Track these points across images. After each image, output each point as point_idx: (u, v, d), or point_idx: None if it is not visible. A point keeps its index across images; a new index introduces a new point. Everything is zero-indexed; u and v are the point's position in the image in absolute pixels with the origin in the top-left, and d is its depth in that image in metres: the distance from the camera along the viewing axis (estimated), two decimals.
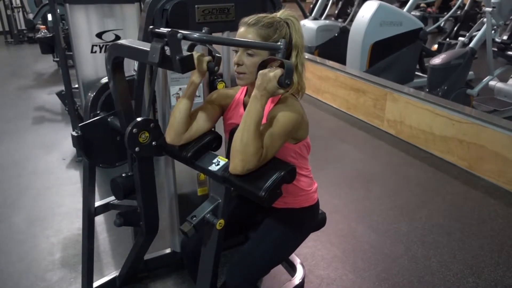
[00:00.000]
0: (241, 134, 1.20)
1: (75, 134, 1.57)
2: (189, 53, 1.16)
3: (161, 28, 1.17)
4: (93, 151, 1.64)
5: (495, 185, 3.04)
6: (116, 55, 1.36)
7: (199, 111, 1.47)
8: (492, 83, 4.65)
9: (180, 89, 1.83)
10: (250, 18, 1.33)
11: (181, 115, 1.38)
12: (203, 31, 1.39)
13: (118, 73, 1.41)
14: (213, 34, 1.84)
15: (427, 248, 2.38)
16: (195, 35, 1.18)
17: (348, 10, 8.13)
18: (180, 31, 1.13)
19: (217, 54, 1.40)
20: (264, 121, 1.33)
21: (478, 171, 3.19)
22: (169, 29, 1.13)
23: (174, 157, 1.54)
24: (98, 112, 1.74)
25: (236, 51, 1.35)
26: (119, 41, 1.34)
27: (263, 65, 1.24)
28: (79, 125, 1.59)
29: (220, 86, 1.89)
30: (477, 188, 3.03)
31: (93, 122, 1.61)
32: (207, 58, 1.37)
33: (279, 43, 1.26)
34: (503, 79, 4.78)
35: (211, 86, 1.93)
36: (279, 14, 1.37)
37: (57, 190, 2.99)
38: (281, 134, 1.27)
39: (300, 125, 1.34)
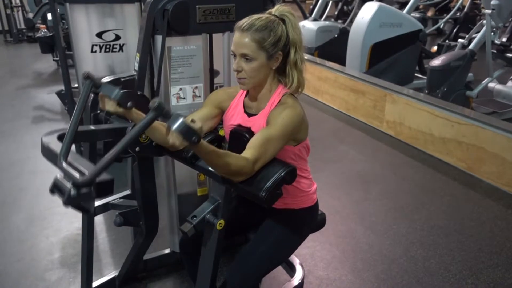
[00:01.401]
0: (216, 171, 1.23)
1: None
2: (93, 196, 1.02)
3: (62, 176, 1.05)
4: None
5: (494, 187, 3.05)
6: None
7: (198, 114, 1.47)
8: (491, 85, 4.66)
9: (180, 89, 1.83)
10: (244, 22, 1.31)
11: (159, 141, 1.40)
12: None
13: None
14: (214, 35, 1.85)
15: (426, 249, 2.38)
16: (88, 178, 1.01)
17: (345, 8, 8.13)
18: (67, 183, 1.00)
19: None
20: (263, 124, 1.34)
21: (477, 172, 3.19)
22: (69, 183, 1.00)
23: (174, 157, 1.54)
24: (99, 112, 1.74)
25: (235, 58, 1.34)
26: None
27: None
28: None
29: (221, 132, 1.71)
30: (476, 190, 3.03)
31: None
32: (113, 101, 1.24)
33: (151, 113, 1.03)
34: (502, 81, 4.79)
35: (212, 87, 1.93)
36: (273, 10, 1.35)
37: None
38: (280, 136, 1.27)
39: (300, 126, 1.34)
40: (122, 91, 1.22)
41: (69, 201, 0.98)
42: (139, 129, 1.05)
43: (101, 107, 1.27)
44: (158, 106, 1.01)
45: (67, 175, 1.04)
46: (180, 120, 1.02)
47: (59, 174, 1.06)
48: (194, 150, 1.15)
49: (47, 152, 1.26)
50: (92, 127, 1.54)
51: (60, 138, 1.32)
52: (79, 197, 0.99)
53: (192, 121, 1.05)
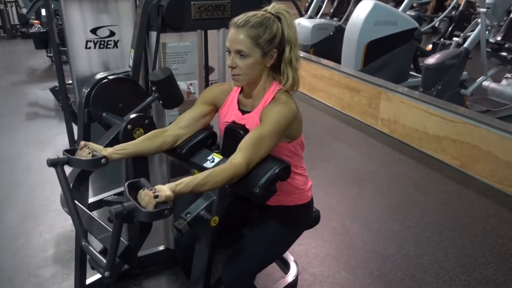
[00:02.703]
0: (207, 191, 1.24)
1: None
2: None
3: None
4: None
5: (488, 185, 3.07)
6: None
7: (192, 113, 1.47)
8: (485, 83, 4.69)
9: None
10: (239, 19, 1.31)
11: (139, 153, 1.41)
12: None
13: None
14: (209, 31, 1.85)
15: (419, 246, 2.39)
16: None
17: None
18: None
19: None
20: (257, 121, 1.34)
21: (471, 170, 3.21)
22: None
23: (168, 154, 1.53)
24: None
25: (229, 54, 1.34)
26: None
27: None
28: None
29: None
30: (469, 188, 3.05)
31: None
32: (87, 150, 1.32)
33: (113, 221, 1.10)
34: (496, 79, 4.81)
35: (206, 84, 1.93)
36: (269, 8, 1.35)
37: (50, 186, 2.97)
38: (273, 132, 1.27)
39: (293, 122, 1.34)
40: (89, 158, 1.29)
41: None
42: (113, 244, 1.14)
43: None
44: (116, 217, 1.05)
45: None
46: (143, 215, 1.05)
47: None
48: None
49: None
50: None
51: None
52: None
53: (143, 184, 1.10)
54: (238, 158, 1.22)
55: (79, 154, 1.32)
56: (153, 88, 1.58)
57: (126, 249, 1.18)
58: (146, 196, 1.06)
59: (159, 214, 1.04)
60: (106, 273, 1.15)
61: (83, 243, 1.27)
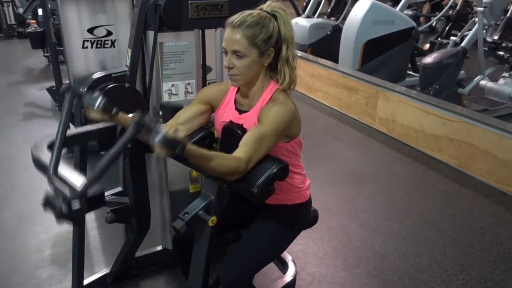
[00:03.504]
0: (208, 173, 1.22)
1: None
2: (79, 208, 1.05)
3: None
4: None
5: (485, 184, 3.07)
6: None
7: (189, 111, 1.46)
8: (483, 82, 4.69)
9: (172, 85, 1.82)
10: (235, 19, 1.30)
11: None
12: None
13: None
14: (206, 31, 1.84)
15: (418, 245, 2.39)
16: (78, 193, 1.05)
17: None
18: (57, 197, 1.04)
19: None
20: (255, 121, 1.34)
21: (468, 169, 3.22)
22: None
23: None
24: None
25: (226, 54, 1.33)
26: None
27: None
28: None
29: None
30: (467, 187, 3.05)
31: None
32: (97, 111, 1.26)
33: (132, 129, 1.03)
34: (493, 78, 4.82)
35: (204, 84, 1.92)
36: (265, 6, 1.34)
37: (48, 186, 2.96)
38: (272, 132, 1.27)
39: (292, 122, 1.34)
40: (104, 100, 1.23)
41: (61, 217, 1.01)
42: (121, 145, 1.06)
43: (87, 116, 1.29)
44: (137, 123, 1.01)
45: (57, 190, 1.04)
46: (161, 134, 1.01)
47: (49, 189, 1.06)
48: (185, 157, 1.13)
49: (39, 164, 1.28)
50: (80, 130, 1.52)
51: (50, 146, 1.32)
52: (71, 213, 1.00)
53: (176, 130, 1.03)
54: (241, 153, 1.22)
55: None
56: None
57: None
58: (167, 127, 1.04)
59: (173, 143, 1.01)
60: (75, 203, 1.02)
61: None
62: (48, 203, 1.05)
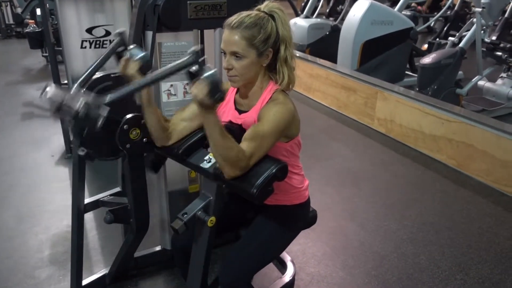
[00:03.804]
0: (215, 150, 1.21)
1: (83, 153, 1.56)
2: (105, 115, 1.10)
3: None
4: (99, 150, 1.63)
5: (484, 184, 3.08)
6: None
7: (188, 109, 1.46)
8: (481, 82, 4.70)
9: (171, 85, 1.82)
10: (233, 20, 1.30)
11: (151, 124, 1.38)
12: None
13: None
14: (205, 31, 1.84)
15: (416, 245, 2.40)
16: (105, 101, 1.10)
17: (338, 8, 8.15)
18: (79, 102, 1.06)
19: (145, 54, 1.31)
20: (255, 121, 1.34)
21: (467, 169, 3.22)
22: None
23: (165, 154, 1.53)
24: None
25: (225, 56, 1.34)
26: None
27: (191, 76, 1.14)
28: (80, 144, 1.57)
29: None
30: (465, 187, 3.06)
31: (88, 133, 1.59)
32: (136, 63, 1.28)
33: (188, 56, 1.13)
34: (491, 79, 4.83)
35: None
36: (262, 7, 1.34)
37: (46, 187, 2.96)
38: (272, 132, 1.27)
39: (292, 122, 1.34)
40: (147, 55, 1.29)
41: (76, 118, 1.05)
42: (171, 69, 1.13)
43: (121, 71, 1.30)
44: (196, 53, 1.06)
45: (79, 95, 1.08)
46: (214, 70, 1.07)
47: (67, 96, 1.08)
48: (206, 117, 1.15)
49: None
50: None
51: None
52: (88, 116, 1.06)
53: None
54: (244, 146, 1.23)
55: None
56: None
57: None
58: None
59: (218, 86, 1.06)
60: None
61: None
62: (63, 105, 1.06)
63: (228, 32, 1.31)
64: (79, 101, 1.05)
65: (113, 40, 1.37)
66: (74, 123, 1.08)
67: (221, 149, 1.19)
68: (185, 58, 1.12)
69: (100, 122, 1.08)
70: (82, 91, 1.22)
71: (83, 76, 1.31)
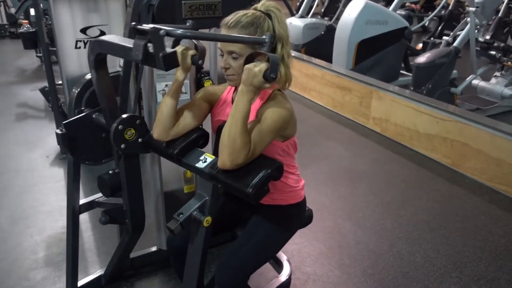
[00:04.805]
0: (229, 128, 1.20)
1: (60, 132, 1.55)
2: (172, 50, 1.15)
3: (144, 25, 1.15)
4: (78, 148, 1.62)
5: (478, 182, 3.09)
6: (99, 52, 1.33)
7: (187, 107, 1.46)
8: (475, 81, 4.73)
9: (166, 85, 1.81)
10: (230, 20, 1.31)
11: (168, 109, 1.37)
12: (188, 24, 1.38)
13: (101, 69, 1.39)
14: (200, 30, 1.84)
15: (411, 244, 2.41)
16: (179, 31, 1.15)
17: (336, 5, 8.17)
18: (163, 27, 1.11)
19: (200, 45, 1.38)
20: (253, 117, 1.34)
21: (461, 168, 3.24)
22: (152, 26, 1.11)
23: (160, 154, 1.52)
24: (83, 108, 1.72)
25: (222, 55, 1.34)
26: (102, 37, 1.32)
27: (249, 58, 1.23)
28: (63, 122, 1.56)
29: (207, 83, 1.88)
30: (460, 185, 3.08)
31: (78, 119, 1.59)
32: (191, 52, 1.32)
33: (264, 37, 1.26)
34: (486, 78, 4.86)
35: (198, 84, 1.92)
36: (259, 6, 1.34)
37: (41, 188, 2.94)
38: (270, 130, 1.27)
39: (289, 122, 1.34)
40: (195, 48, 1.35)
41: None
42: (243, 38, 1.27)
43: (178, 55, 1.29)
44: (272, 36, 1.27)
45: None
46: (277, 55, 1.25)
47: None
48: (244, 94, 1.20)
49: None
50: None
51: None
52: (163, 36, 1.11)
53: None
54: None
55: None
56: None
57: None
58: None
59: (277, 68, 1.19)
60: None
61: None
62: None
63: (225, 31, 1.31)
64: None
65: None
66: (147, 41, 1.14)
67: (235, 130, 1.18)
68: (262, 36, 1.26)
69: (165, 52, 1.13)
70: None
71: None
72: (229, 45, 1.30)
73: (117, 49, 1.28)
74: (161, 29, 1.10)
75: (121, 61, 1.72)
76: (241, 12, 1.32)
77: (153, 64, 1.15)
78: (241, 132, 1.19)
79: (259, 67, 1.17)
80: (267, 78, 1.17)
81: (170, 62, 1.15)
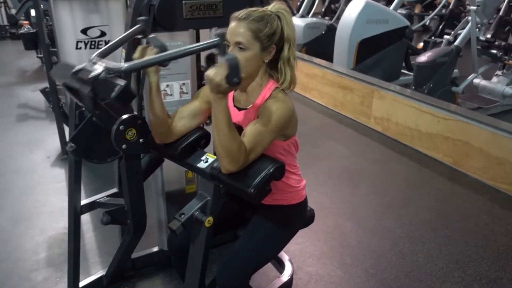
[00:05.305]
0: (218, 139, 1.19)
1: (71, 150, 1.55)
2: (122, 85, 1.11)
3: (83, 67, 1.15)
4: (91, 152, 1.62)
5: (480, 181, 3.09)
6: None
7: (188, 107, 1.46)
8: (476, 80, 4.72)
9: (167, 86, 1.81)
10: (241, 13, 1.32)
11: (154, 118, 1.37)
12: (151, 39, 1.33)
13: None
14: (201, 31, 1.83)
15: (413, 243, 2.40)
16: (123, 67, 1.13)
17: (332, 6, 8.16)
18: (100, 67, 1.10)
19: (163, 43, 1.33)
20: (255, 117, 1.34)
21: (463, 167, 3.23)
22: (93, 74, 1.10)
23: (161, 154, 1.52)
24: (83, 109, 1.71)
25: (228, 46, 1.34)
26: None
27: (208, 61, 1.21)
28: (70, 139, 1.56)
29: None
30: (462, 184, 3.07)
31: (81, 129, 1.58)
32: (153, 51, 1.29)
33: (216, 38, 1.14)
34: (487, 76, 4.85)
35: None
36: (270, 7, 1.37)
37: (42, 188, 2.94)
38: (272, 129, 1.27)
39: (291, 121, 1.35)
40: (163, 47, 1.30)
41: (88, 81, 1.10)
42: (196, 47, 1.20)
43: (136, 57, 1.31)
44: (223, 34, 1.14)
45: (100, 64, 1.13)
46: (235, 55, 1.14)
47: (88, 63, 1.16)
48: (217, 103, 1.16)
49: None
50: None
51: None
52: (105, 79, 1.10)
53: None
54: (244, 141, 1.22)
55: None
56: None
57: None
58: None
59: (238, 70, 1.10)
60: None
61: None
62: (80, 71, 1.15)
63: (234, 23, 1.32)
64: (101, 66, 1.11)
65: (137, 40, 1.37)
66: (90, 89, 1.11)
67: (224, 139, 1.18)
68: (212, 40, 1.15)
69: (116, 91, 1.10)
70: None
71: (101, 50, 1.29)
72: (237, 36, 1.30)
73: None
74: (100, 73, 1.10)
75: (122, 62, 1.72)
76: (252, 8, 1.35)
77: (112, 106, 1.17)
78: (230, 137, 1.18)
79: (219, 75, 1.10)
80: (230, 84, 1.11)
81: (126, 97, 1.13)
